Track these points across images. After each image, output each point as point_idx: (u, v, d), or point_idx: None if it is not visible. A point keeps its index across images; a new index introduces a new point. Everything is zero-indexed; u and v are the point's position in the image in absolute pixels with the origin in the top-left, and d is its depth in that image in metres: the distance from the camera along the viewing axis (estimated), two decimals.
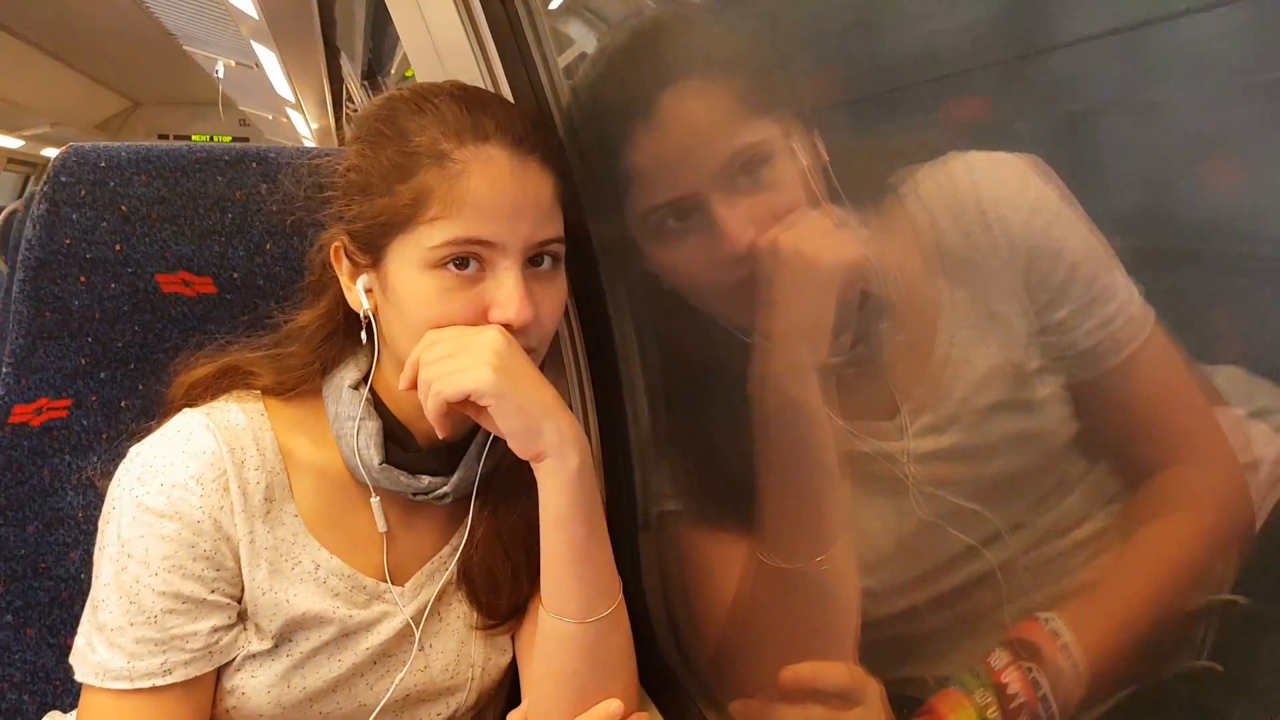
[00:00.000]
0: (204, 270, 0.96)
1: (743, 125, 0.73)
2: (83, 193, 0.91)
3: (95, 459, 0.94)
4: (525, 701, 0.79)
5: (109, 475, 0.74)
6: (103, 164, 0.93)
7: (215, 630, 0.72)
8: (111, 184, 0.92)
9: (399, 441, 0.78)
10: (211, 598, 0.72)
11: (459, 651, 0.82)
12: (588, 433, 0.96)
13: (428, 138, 0.71)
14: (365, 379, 0.79)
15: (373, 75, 4.32)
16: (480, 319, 0.72)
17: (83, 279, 0.92)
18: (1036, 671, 0.63)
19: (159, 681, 0.69)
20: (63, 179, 0.91)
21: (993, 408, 0.73)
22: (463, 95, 0.75)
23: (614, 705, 0.74)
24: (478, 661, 0.82)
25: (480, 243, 0.70)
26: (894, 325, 0.73)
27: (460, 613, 0.83)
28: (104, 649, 0.70)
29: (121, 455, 0.74)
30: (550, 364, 0.96)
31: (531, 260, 0.74)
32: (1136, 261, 0.63)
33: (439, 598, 0.81)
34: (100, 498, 0.74)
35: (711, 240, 0.73)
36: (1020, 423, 0.73)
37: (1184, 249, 0.59)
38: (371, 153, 0.74)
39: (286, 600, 0.74)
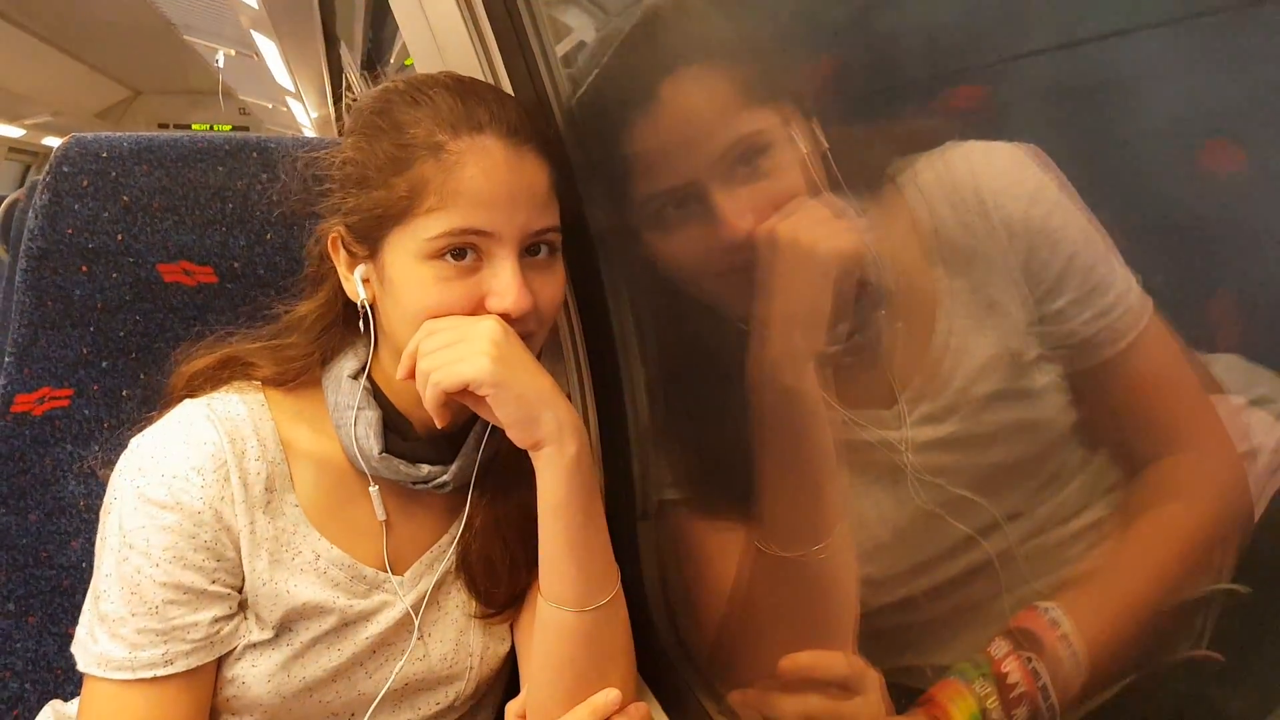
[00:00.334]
0: (205, 260, 0.96)
1: (741, 114, 0.73)
2: (85, 183, 0.92)
3: (97, 448, 0.94)
4: (524, 690, 0.80)
5: (110, 464, 0.74)
6: (104, 154, 0.93)
7: (216, 621, 0.72)
8: (113, 174, 0.93)
9: (398, 431, 0.79)
10: (212, 588, 0.72)
11: (458, 640, 0.82)
12: (586, 421, 0.96)
13: (423, 129, 0.71)
14: (364, 369, 0.79)
15: (372, 64, 4.30)
16: (478, 309, 0.72)
17: (84, 268, 0.92)
18: (1036, 661, 0.63)
19: (160, 672, 0.70)
20: (65, 169, 0.92)
21: (991, 397, 0.73)
22: (457, 86, 0.74)
23: (612, 694, 0.74)
24: (476, 650, 0.83)
25: (476, 233, 0.70)
26: (892, 314, 0.73)
27: (459, 602, 0.83)
28: (106, 639, 0.70)
29: (123, 445, 0.75)
30: (548, 353, 0.96)
31: (528, 250, 0.74)
32: (1134, 250, 0.63)
33: (438, 587, 0.82)
34: (102, 487, 0.74)
35: (710, 229, 0.73)
36: (1019, 412, 0.73)
37: (1182, 237, 0.59)
38: (367, 145, 0.74)
39: (287, 590, 0.74)
